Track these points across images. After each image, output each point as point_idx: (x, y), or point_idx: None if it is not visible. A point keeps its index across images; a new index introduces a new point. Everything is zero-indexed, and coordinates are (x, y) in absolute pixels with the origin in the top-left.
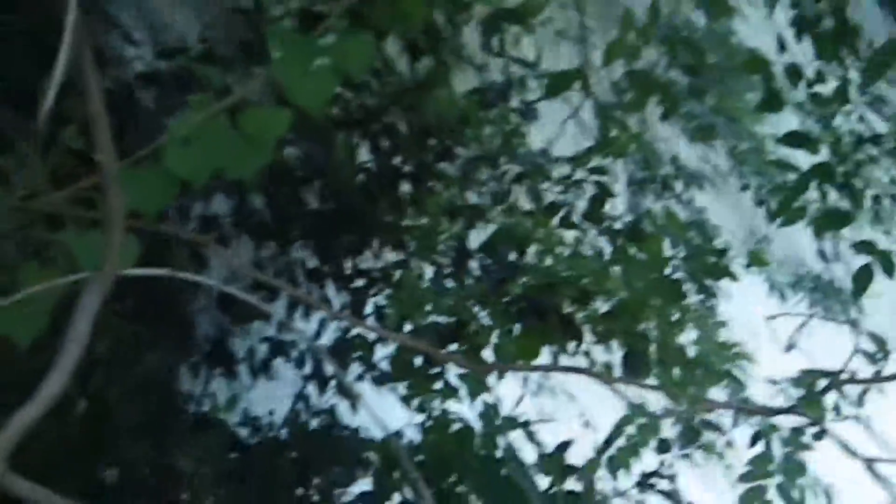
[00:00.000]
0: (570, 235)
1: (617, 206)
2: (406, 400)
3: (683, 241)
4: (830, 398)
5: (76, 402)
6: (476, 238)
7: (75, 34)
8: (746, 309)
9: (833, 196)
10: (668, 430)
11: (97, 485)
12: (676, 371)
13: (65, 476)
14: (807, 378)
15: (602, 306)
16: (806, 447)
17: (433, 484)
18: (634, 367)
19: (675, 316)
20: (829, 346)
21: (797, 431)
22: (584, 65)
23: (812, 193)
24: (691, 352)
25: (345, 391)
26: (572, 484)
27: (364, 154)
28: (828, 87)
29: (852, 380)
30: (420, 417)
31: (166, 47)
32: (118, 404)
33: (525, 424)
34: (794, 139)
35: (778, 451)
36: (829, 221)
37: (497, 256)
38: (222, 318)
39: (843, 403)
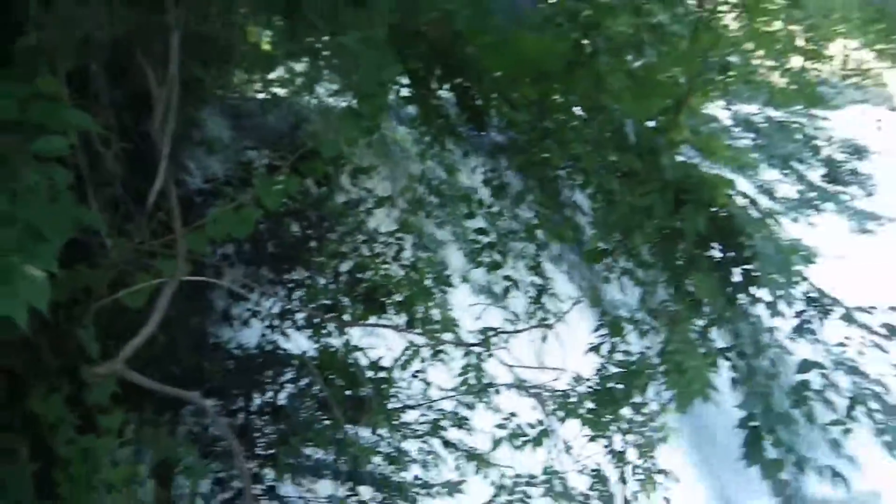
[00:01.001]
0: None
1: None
2: (310, 338)
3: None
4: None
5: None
6: (345, 266)
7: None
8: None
9: None
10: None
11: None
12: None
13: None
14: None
15: (398, 297)
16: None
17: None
18: (410, 325)
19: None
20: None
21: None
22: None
23: None
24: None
25: (283, 333)
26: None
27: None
28: None
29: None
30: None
31: (209, 175)
32: (179, 336)
33: (360, 349)
34: None
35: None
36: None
37: (354, 274)
38: (228, 301)
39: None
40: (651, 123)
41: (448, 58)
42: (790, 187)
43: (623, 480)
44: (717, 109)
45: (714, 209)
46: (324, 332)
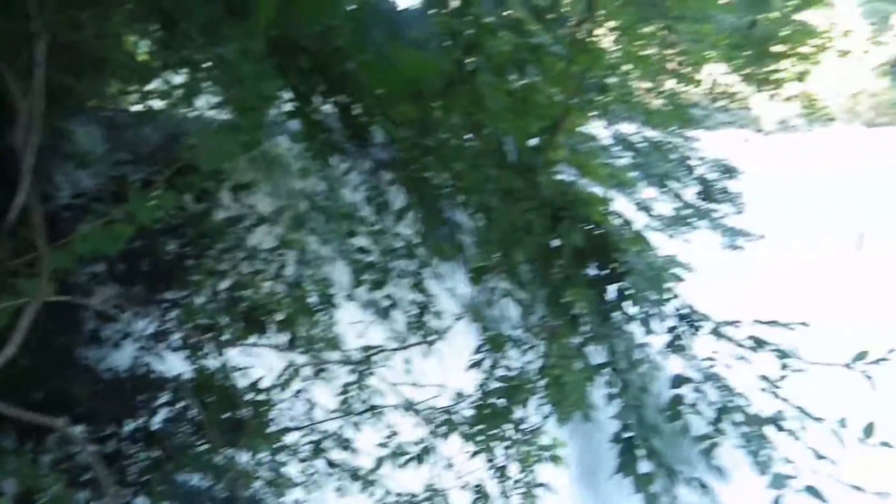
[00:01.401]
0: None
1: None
2: (187, 360)
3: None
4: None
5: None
6: (224, 284)
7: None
8: None
9: None
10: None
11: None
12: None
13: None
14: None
15: (279, 316)
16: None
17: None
18: (292, 344)
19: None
20: None
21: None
22: None
23: None
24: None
25: (158, 355)
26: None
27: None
28: None
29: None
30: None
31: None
32: (43, 359)
33: (239, 370)
34: None
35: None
36: None
37: (233, 293)
38: (98, 322)
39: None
40: (531, 142)
41: (330, 73)
42: (667, 205)
43: (505, 495)
44: (598, 129)
45: (590, 226)
46: (201, 353)
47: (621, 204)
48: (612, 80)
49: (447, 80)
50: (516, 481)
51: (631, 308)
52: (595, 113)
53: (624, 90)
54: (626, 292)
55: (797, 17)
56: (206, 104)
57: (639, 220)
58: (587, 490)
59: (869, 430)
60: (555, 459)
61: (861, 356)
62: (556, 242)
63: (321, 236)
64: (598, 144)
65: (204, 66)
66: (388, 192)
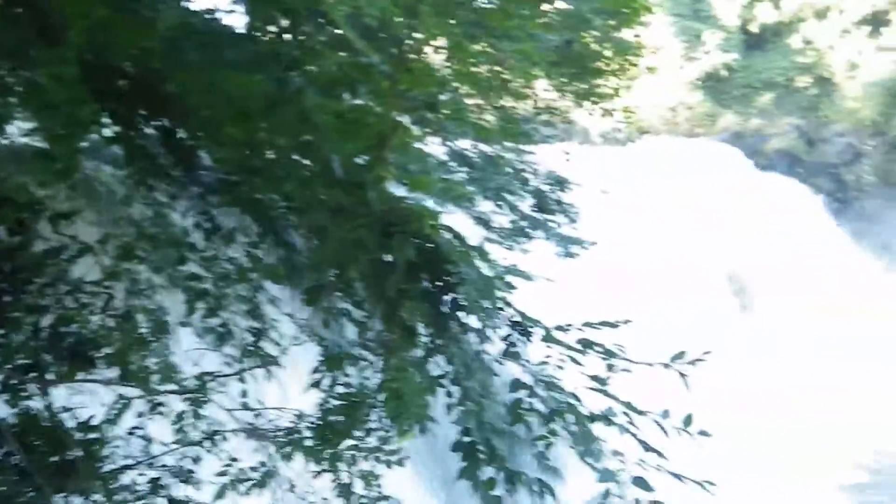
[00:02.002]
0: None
1: None
2: (7, 402)
3: None
4: None
5: None
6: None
7: None
8: None
9: None
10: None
11: None
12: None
13: None
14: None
15: (109, 350)
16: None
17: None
18: (124, 378)
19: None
20: None
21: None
22: None
23: None
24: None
25: None
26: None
27: None
28: None
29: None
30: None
31: None
32: None
33: (67, 409)
34: None
35: None
36: None
37: (57, 328)
38: None
39: None
40: (359, 159)
41: (151, 96)
42: (504, 217)
43: None
44: (434, 145)
45: (422, 240)
46: (23, 394)
47: (459, 218)
48: (444, 97)
49: (272, 100)
50: (361, 497)
51: (466, 318)
52: (428, 130)
53: (456, 107)
54: (460, 303)
55: (615, 35)
56: (18, 131)
57: (478, 233)
58: (438, 498)
59: (688, 421)
60: (399, 464)
61: (679, 356)
62: (389, 257)
63: (150, 265)
64: (434, 160)
65: (15, 91)
66: (218, 217)
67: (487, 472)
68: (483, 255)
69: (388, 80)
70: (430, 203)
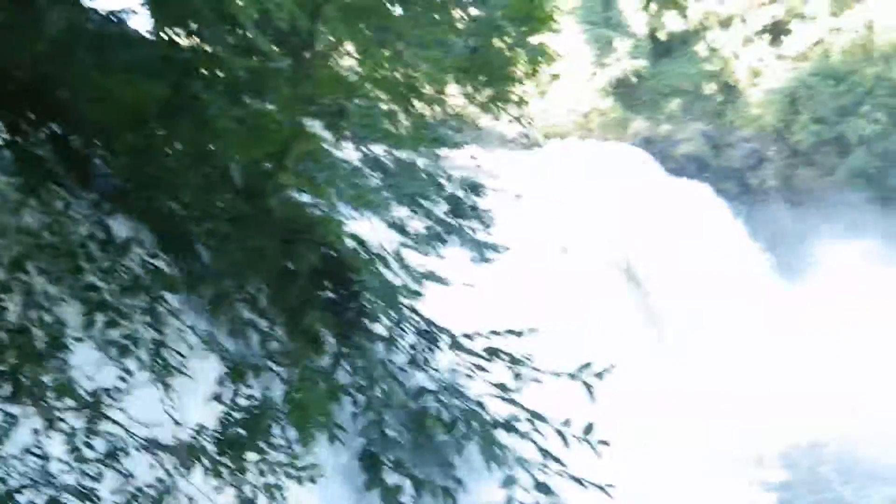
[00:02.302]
0: None
1: None
2: None
3: None
4: None
5: None
6: None
7: None
8: None
9: None
10: None
11: None
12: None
13: None
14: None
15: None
16: None
17: None
18: (16, 395)
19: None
20: None
21: None
22: None
23: None
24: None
25: None
26: None
27: None
28: None
29: None
30: None
31: None
32: None
33: None
34: None
35: None
36: None
37: None
38: None
39: None
40: (261, 167)
41: (41, 101)
42: (420, 223)
43: None
44: (347, 151)
45: (325, 249)
46: None
47: (374, 224)
48: (355, 102)
49: (169, 106)
50: None
51: (370, 327)
52: (340, 136)
53: (367, 113)
54: (365, 311)
55: (527, 42)
56: None
57: (393, 239)
58: None
59: (589, 429)
60: (311, 480)
61: (585, 367)
62: (292, 266)
63: (45, 276)
64: (348, 166)
65: None
66: (115, 225)
67: (394, 479)
68: (386, 263)
69: (292, 85)
70: (341, 210)
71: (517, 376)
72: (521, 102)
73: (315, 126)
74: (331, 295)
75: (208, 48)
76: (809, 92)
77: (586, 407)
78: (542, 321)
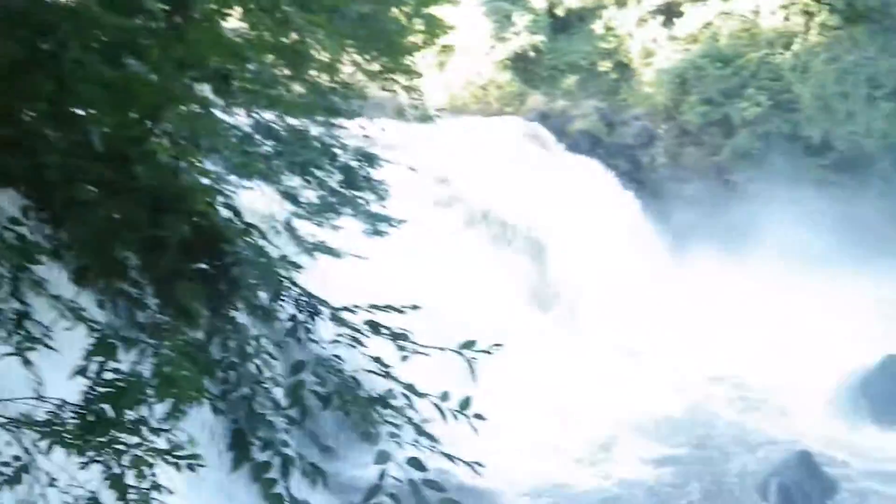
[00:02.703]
0: None
1: None
2: None
3: None
4: None
5: None
6: None
7: None
8: None
9: None
10: None
11: None
12: None
13: None
14: None
15: None
16: None
17: None
18: None
19: None
20: None
21: None
22: None
23: None
24: None
25: None
26: None
27: None
28: None
29: None
30: None
31: None
32: None
33: None
34: None
35: None
36: None
37: None
38: None
39: None
40: (128, 131)
41: None
42: (313, 192)
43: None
44: (240, 117)
45: (197, 219)
46: None
47: (266, 192)
48: (248, 67)
49: (21, 65)
50: (132, 487)
51: (247, 299)
52: (230, 102)
53: (255, 79)
54: (239, 284)
55: (424, 12)
56: None
57: (286, 208)
58: (218, 485)
59: (465, 404)
60: (190, 468)
61: (470, 343)
62: (160, 235)
63: None
64: (239, 133)
65: None
66: None
67: (263, 457)
68: (263, 234)
69: (164, 47)
70: (231, 179)
71: (401, 349)
72: (412, 73)
73: (205, 91)
74: (204, 266)
75: (73, 4)
76: (698, 73)
77: (471, 385)
78: (434, 296)
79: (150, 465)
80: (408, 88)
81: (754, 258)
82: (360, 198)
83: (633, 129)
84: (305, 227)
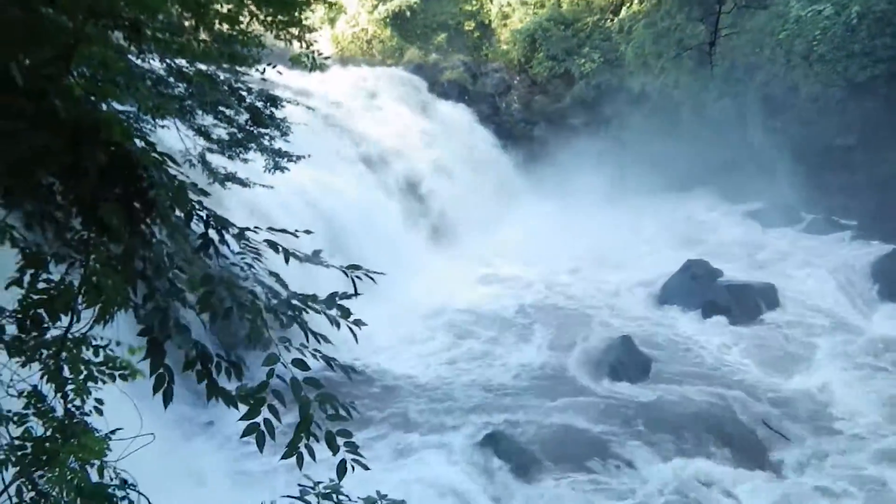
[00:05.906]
0: None
1: None
2: None
3: None
4: None
5: None
6: None
7: None
8: None
9: None
10: None
11: None
12: None
13: None
14: None
15: None
16: None
17: None
18: None
19: None
20: None
21: None
22: None
23: None
24: None
25: None
26: None
27: None
28: None
29: None
30: None
31: None
32: None
33: None
34: None
35: None
36: None
37: None
38: None
39: None
40: (43, 69)
41: None
42: (223, 130)
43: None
44: (154, 62)
45: (114, 148)
46: None
47: (181, 129)
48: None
49: None
50: (70, 380)
51: (161, 217)
52: (141, 48)
53: (167, 27)
54: (154, 205)
55: None
56: None
57: (199, 144)
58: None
59: (346, 314)
60: (123, 378)
61: (355, 266)
62: (81, 162)
63: None
64: (152, 76)
65: None
66: None
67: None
68: (176, 162)
69: None
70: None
71: (291, 256)
72: (302, 25)
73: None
74: (122, 190)
75: None
76: (545, 34)
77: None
78: (333, 225)
79: (87, 362)
80: (299, 39)
81: (588, 186)
82: (266, 134)
83: (492, 80)
84: (218, 160)
